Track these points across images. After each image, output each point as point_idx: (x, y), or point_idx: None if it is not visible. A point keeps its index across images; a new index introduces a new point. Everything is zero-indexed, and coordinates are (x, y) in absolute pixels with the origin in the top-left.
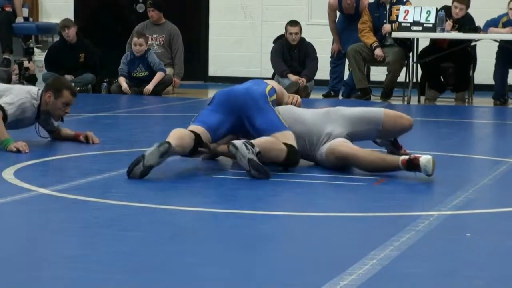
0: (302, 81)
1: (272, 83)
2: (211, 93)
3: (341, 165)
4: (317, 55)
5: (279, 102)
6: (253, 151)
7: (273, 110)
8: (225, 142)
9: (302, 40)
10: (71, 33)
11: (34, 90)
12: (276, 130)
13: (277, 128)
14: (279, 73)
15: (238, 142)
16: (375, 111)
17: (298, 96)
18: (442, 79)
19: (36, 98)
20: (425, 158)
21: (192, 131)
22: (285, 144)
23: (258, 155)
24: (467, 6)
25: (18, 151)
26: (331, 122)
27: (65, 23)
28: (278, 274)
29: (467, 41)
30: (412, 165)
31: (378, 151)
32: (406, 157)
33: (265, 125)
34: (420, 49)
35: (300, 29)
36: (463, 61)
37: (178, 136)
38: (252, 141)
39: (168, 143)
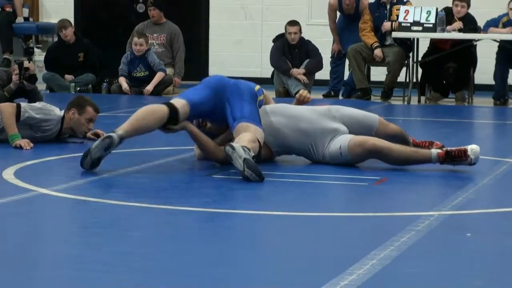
0: (303, 79)
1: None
2: None
3: (364, 159)
4: None
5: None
6: (249, 153)
7: (256, 106)
8: (221, 139)
9: (302, 39)
10: (68, 33)
11: (58, 112)
12: (251, 121)
13: (253, 120)
14: (282, 72)
15: (236, 144)
16: (371, 117)
17: (308, 95)
18: (444, 82)
19: (59, 118)
20: (474, 148)
21: (172, 105)
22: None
23: (254, 158)
24: (468, 5)
25: (21, 147)
26: (333, 119)
27: (62, 24)
28: (278, 274)
29: (469, 41)
30: (452, 157)
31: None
32: (440, 150)
33: (243, 112)
34: (420, 49)
35: (300, 29)
36: (465, 61)
37: (141, 116)
38: (241, 143)
39: (110, 137)
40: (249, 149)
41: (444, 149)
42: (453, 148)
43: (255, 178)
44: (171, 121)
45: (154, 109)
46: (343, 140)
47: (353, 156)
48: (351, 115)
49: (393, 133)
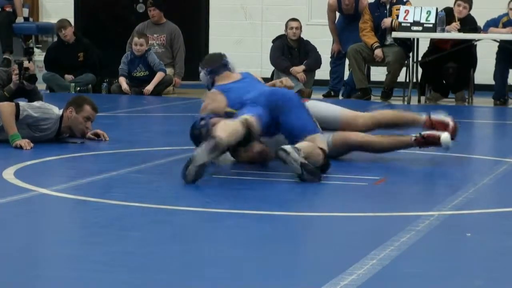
0: (303, 78)
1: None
2: None
3: (346, 152)
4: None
5: None
6: (301, 155)
7: (307, 109)
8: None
9: (301, 39)
10: (68, 33)
11: (57, 110)
12: (311, 132)
13: (312, 130)
14: (281, 70)
15: (288, 147)
16: (332, 118)
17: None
18: (444, 82)
19: (58, 117)
20: (444, 138)
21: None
22: (321, 149)
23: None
24: (470, 6)
25: (21, 148)
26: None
27: (61, 24)
28: (278, 274)
29: (469, 41)
30: (428, 142)
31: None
32: (419, 135)
33: (301, 126)
34: (420, 49)
35: (301, 26)
36: (465, 61)
37: (230, 131)
38: (296, 145)
39: (215, 138)
40: (298, 149)
41: (422, 133)
42: (428, 133)
43: (314, 180)
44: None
45: (236, 127)
46: (326, 136)
47: (336, 149)
48: (316, 115)
49: (367, 127)
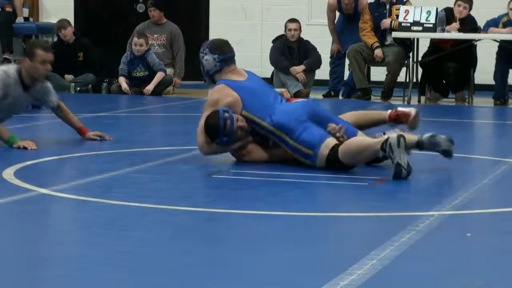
0: (302, 78)
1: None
2: None
3: None
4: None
5: None
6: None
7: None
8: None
9: (301, 39)
10: (67, 33)
11: (10, 66)
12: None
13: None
14: (280, 69)
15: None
16: None
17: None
18: (444, 81)
19: (15, 71)
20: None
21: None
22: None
23: None
24: (470, 6)
25: (25, 148)
26: None
27: (61, 24)
28: (278, 274)
29: (469, 41)
30: (399, 118)
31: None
32: (392, 110)
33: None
34: (420, 49)
35: (300, 27)
36: (465, 61)
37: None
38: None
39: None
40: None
41: (397, 109)
42: (402, 110)
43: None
44: None
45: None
46: None
47: None
48: None
49: None
